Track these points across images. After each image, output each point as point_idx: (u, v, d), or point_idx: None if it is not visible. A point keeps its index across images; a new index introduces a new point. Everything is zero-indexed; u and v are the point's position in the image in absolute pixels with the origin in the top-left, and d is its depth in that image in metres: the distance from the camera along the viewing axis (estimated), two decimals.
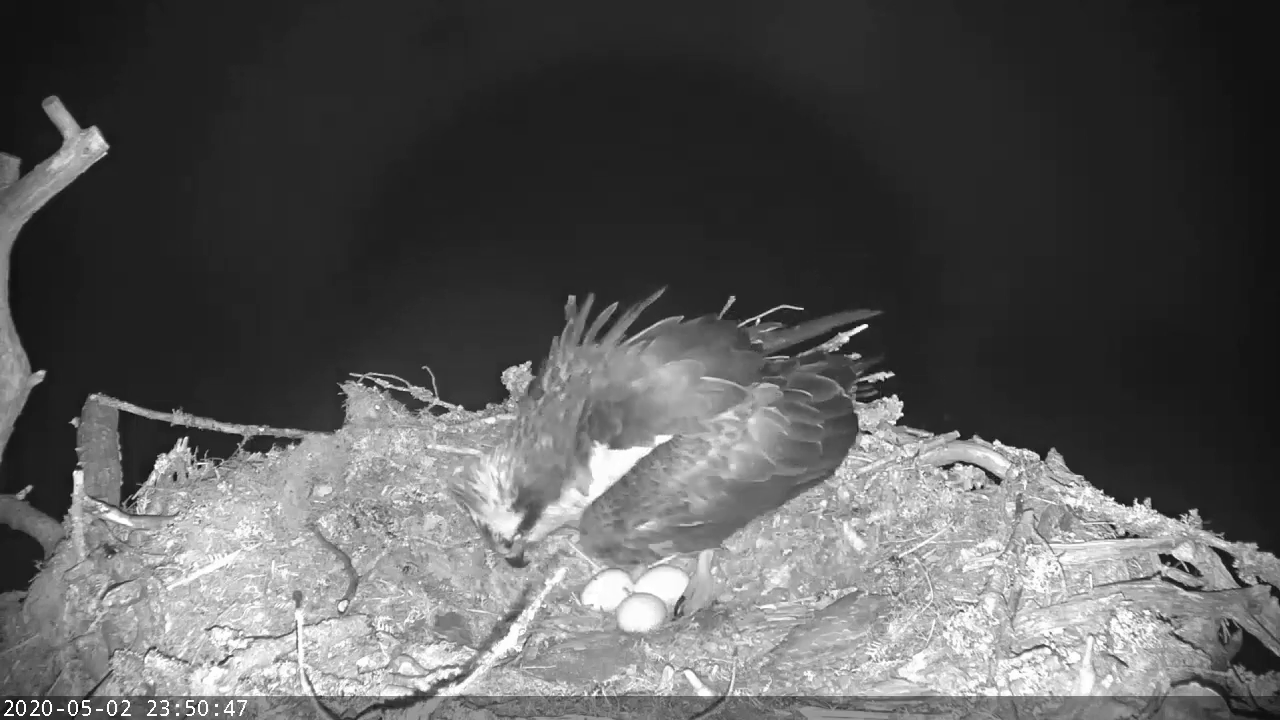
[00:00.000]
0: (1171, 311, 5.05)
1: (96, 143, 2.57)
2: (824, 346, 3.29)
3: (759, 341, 2.88)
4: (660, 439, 2.57)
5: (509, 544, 2.73)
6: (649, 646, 2.52)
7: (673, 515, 2.56)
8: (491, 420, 3.57)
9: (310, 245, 5.37)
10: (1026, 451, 2.94)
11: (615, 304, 2.74)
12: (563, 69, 5.78)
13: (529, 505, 2.65)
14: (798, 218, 5.77)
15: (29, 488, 2.98)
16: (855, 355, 3.26)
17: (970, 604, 2.26)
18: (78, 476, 2.54)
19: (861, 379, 3.11)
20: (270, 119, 5.42)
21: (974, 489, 2.92)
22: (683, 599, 2.94)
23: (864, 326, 3.34)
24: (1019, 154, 5.56)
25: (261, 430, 3.31)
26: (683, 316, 2.77)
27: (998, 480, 2.91)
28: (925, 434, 3.23)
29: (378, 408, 3.41)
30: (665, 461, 2.53)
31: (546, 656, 2.55)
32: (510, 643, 1.93)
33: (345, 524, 2.88)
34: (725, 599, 2.99)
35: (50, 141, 2.57)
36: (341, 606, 2.44)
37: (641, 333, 2.70)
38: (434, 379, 3.69)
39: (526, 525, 2.69)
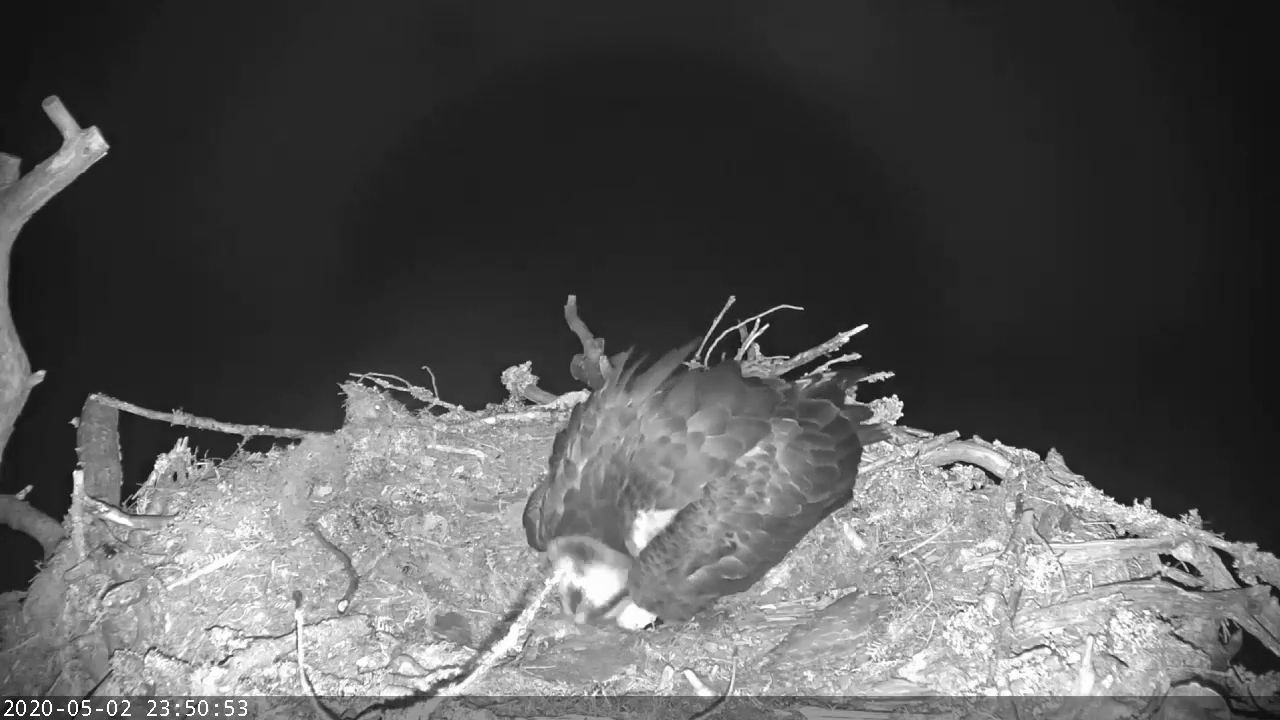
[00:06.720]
0: (1172, 312, 5.06)
1: (96, 143, 2.57)
2: (822, 350, 3.42)
3: (757, 372, 2.89)
4: (700, 486, 2.59)
5: (592, 613, 2.70)
6: (649, 646, 2.52)
7: (718, 562, 2.56)
8: (491, 420, 3.56)
9: (311, 246, 5.38)
10: (1026, 451, 2.94)
11: (646, 354, 2.78)
12: (560, 73, 5.79)
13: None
14: (797, 217, 5.78)
15: (29, 488, 2.98)
16: (854, 355, 3.31)
17: (970, 604, 2.26)
18: (78, 476, 2.55)
19: (850, 387, 3.19)
20: (270, 121, 5.43)
21: (974, 489, 2.92)
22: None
23: (864, 327, 3.40)
24: (1022, 155, 5.57)
25: (261, 430, 3.31)
26: (689, 351, 2.79)
27: (998, 480, 2.91)
28: (925, 434, 3.23)
29: (378, 408, 3.40)
30: (708, 506, 2.56)
31: (546, 656, 2.54)
32: (510, 643, 1.93)
33: (345, 524, 2.87)
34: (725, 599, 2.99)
35: (50, 141, 2.57)
36: (341, 606, 2.44)
37: (656, 385, 2.71)
38: (434, 379, 3.69)
39: (616, 601, 2.70)
